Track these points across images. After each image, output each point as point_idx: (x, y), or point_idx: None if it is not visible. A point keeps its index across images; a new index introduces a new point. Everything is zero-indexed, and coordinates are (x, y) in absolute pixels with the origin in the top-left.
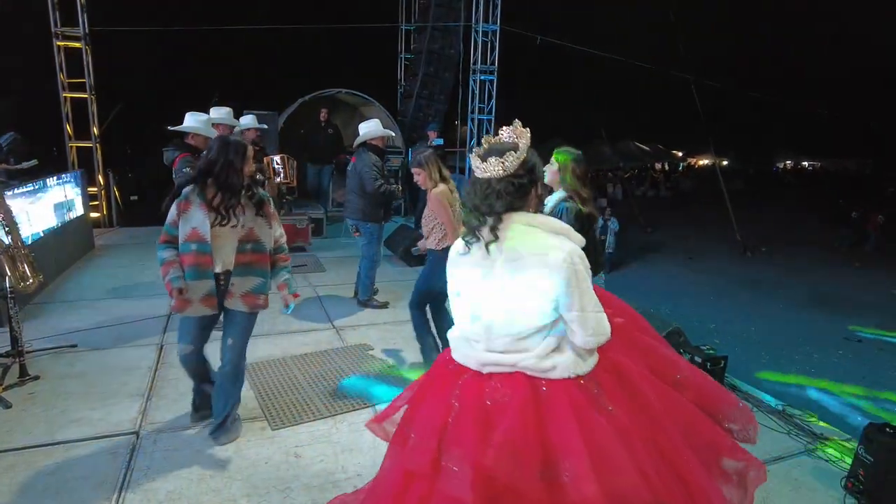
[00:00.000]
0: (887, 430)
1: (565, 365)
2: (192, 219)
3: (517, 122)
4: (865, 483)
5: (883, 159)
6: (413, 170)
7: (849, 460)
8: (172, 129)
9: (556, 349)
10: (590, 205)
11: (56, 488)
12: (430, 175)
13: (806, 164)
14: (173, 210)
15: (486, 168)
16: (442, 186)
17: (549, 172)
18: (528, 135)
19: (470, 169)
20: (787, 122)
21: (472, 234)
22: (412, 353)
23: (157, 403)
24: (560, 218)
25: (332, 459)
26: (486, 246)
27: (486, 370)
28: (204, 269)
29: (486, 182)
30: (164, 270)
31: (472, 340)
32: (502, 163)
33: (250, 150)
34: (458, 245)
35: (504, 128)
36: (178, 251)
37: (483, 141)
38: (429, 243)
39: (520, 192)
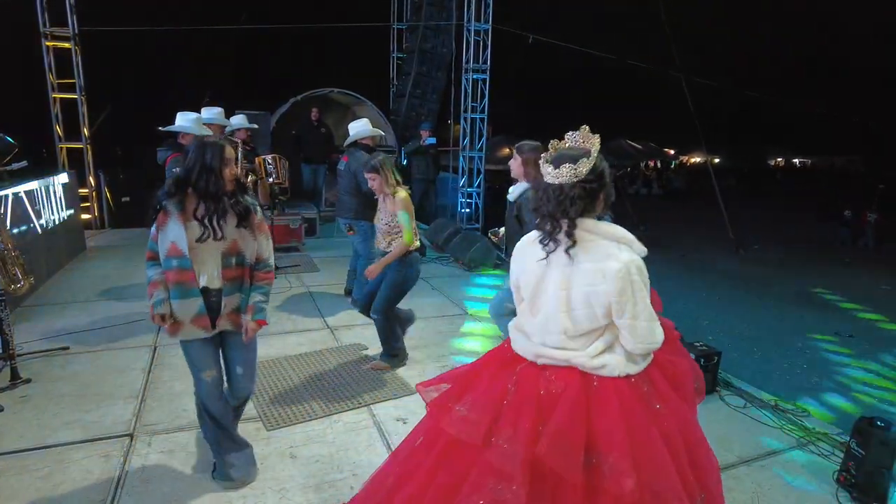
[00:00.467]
0: (878, 423)
1: (615, 365)
2: (169, 232)
3: (585, 128)
4: (857, 476)
5: (872, 156)
6: (367, 175)
7: (840, 454)
8: (163, 129)
9: (608, 349)
10: None
11: (49, 492)
12: (386, 180)
13: (797, 161)
14: (154, 224)
15: (558, 174)
16: (403, 191)
17: (514, 165)
18: (598, 140)
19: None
20: (778, 119)
21: (548, 238)
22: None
23: (151, 405)
24: (523, 207)
25: (327, 459)
26: (567, 251)
27: (540, 362)
28: (188, 286)
29: (558, 188)
30: (150, 291)
31: (529, 334)
32: (575, 169)
33: (230, 151)
34: (527, 241)
35: (570, 133)
36: (162, 268)
37: (550, 147)
38: (386, 248)
39: (591, 196)
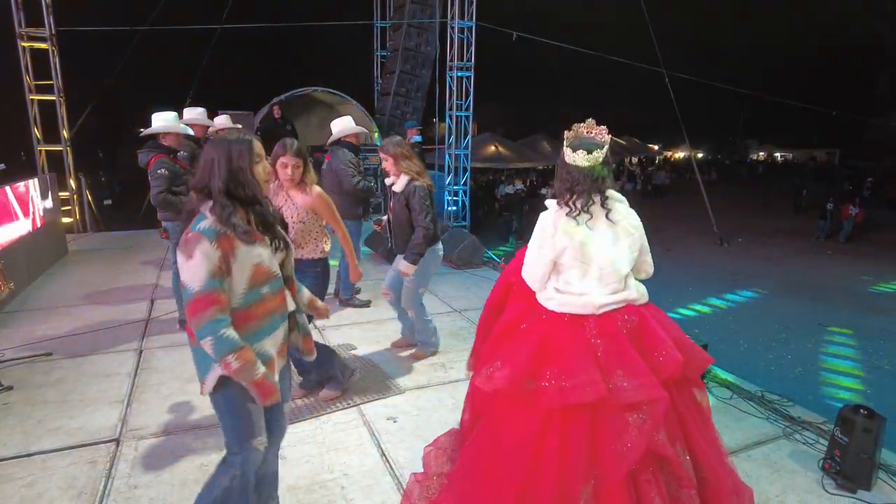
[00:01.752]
0: (861, 411)
1: (643, 292)
2: (247, 256)
3: (591, 121)
4: (842, 463)
5: (848, 149)
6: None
7: (825, 442)
8: (144, 133)
9: (635, 284)
10: (426, 177)
11: (34, 500)
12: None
13: (778, 155)
14: (211, 255)
15: (592, 158)
16: (318, 189)
17: (388, 165)
18: (605, 128)
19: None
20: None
21: (582, 211)
22: (395, 351)
23: (137, 409)
24: (414, 196)
25: (317, 460)
26: (607, 216)
27: (601, 311)
28: (280, 312)
29: (589, 169)
30: (249, 358)
31: (583, 293)
32: (603, 153)
33: (259, 145)
34: (556, 219)
35: (580, 125)
36: (238, 309)
37: (572, 134)
38: (313, 253)
39: (612, 173)
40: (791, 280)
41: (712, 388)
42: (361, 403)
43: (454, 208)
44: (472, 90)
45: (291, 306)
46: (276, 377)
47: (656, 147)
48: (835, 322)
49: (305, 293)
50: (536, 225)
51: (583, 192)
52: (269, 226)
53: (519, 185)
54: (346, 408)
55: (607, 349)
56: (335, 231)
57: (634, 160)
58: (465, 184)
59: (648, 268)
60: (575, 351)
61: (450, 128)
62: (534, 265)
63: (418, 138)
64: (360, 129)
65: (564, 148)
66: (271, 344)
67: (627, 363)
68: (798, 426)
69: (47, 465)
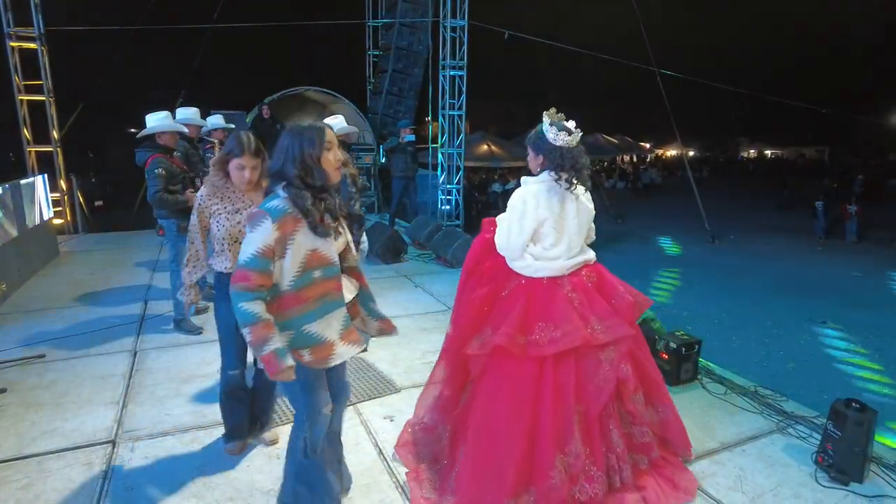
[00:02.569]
0: (854, 405)
1: (593, 254)
2: (306, 240)
3: (553, 110)
4: (834, 456)
5: (839, 147)
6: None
7: (818, 436)
8: (142, 133)
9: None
10: (351, 166)
11: (30, 503)
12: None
13: (768, 153)
14: (269, 235)
15: (576, 139)
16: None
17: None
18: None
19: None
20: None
21: (571, 184)
22: (388, 349)
23: (133, 410)
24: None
25: None
26: (573, 191)
27: (568, 271)
28: (333, 296)
29: (575, 149)
30: (259, 335)
31: (555, 257)
32: (579, 136)
33: (331, 134)
34: (542, 192)
35: (549, 112)
36: (283, 293)
37: (554, 117)
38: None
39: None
40: (781, 276)
41: (706, 384)
42: (358, 402)
43: (448, 207)
44: (464, 89)
45: (348, 296)
46: (337, 360)
47: (648, 145)
48: (825, 318)
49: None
50: (514, 199)
51: (570, 169)
52: (334, 216)
53: (511, 184)
54: None
55: (581, 301)
56: None
57: (627, 158)
58: (458, 183)
59: (593, 234)
60: (557, 306)
61: (442, 127)
62: (517, 235)
63: (411, 137)
64: (352, 128)
65: (551, 131)
66: (323, 327)
67: (598, 310)
68: (791, 420)
69: (43, 467)
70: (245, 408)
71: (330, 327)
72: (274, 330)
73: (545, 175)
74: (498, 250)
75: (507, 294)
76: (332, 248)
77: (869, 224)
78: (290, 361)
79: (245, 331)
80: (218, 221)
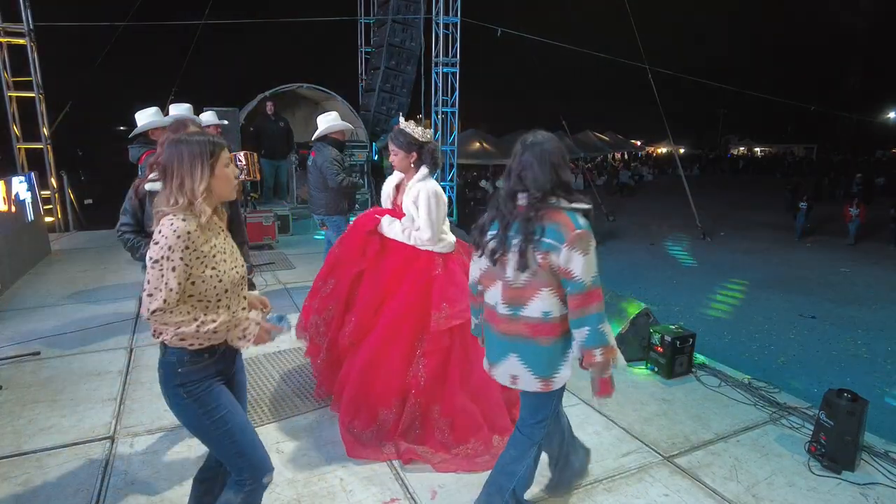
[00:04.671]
0: (845, 395)
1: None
2: None
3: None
4: (827, 445)
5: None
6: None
7: (810, 426)
8: (134, 132)
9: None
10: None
11: (29, 499)
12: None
13: (758, 150)
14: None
15: (431, 134)
16: None
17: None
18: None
19: (441, 164)
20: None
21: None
22: None
23: (131, 407)
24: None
25: (314, 453)
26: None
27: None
28: None
29: (435, 144)
30: (605, 359)
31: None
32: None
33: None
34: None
35: (404, 122)
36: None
37: (420, 126)
38: None
39: None
40: (772, 272)
41: (701, 377)
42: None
43: None
44: (457, 86)
45: None
46: None
47: (639, 142)
48: (814, 312)
49: None
50: (428, 194)
51: (433, 162)
52: None
53: (500, 182)
54: None
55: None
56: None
57: (618, 156)
58: (451, 179)
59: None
60: (465, 273)
61: (435, 124)
62: (440, 223)
63: None
64: (345, 125)
65: (416, 131)
66: None
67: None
68: (784, 411)
69: (41, 463)
70: None
71: None
72: None
73: (425, 169)
74: (420, 242)
75: (439, 273)
76: None
77: (869, 224)
78: None
79: (597, 351)
80: None
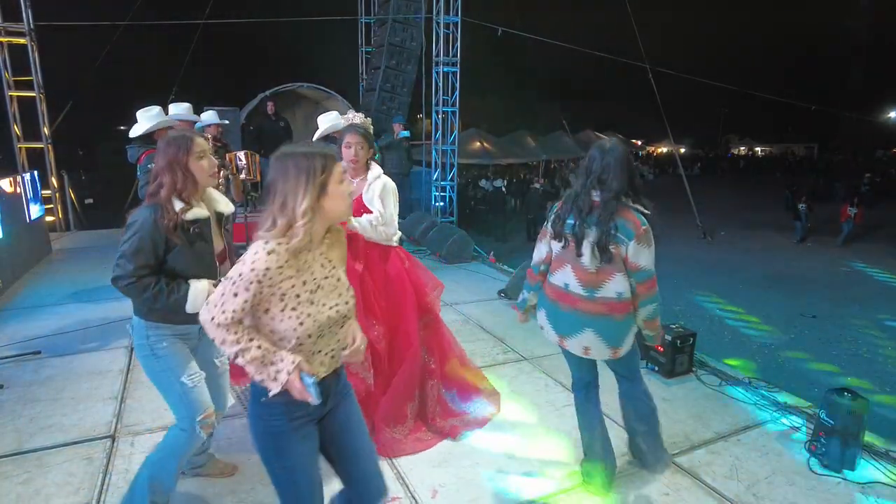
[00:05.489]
0: (846, 393)
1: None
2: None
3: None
4: (827, 445)
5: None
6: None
7: (811, 426)
8: (135, 134)
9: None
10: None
11: (30, 497)
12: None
13: (759, 150)
14: None
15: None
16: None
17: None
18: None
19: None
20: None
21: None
22: None
23: (131, 406)
24: None
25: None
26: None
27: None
28: None
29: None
30: (660, 329)
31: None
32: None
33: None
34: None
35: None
36: None
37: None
38: None
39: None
40: (772, 272)
41: (702, 376)
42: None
43: (441, 204)
44: (458, 86)
45: None
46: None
47: (639, 142)
48: (814, 312)
49: None
50: (391, 190)
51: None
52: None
53: (499, 182)
54: None
55: None
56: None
57: None
58: (452, 179)
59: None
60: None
61: (436, 123)
62: (396, 216)
63: (406, 133)
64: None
65: (365, 123)
66: None
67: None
68: (784, 411)
69: (42, 462)
70: None
71: None
72: None
73: (377, 166)
74: (386, 236)
75: (408, 265)
76: None
77: (866, 226)
78: None
79: (659, 321)
80: None
